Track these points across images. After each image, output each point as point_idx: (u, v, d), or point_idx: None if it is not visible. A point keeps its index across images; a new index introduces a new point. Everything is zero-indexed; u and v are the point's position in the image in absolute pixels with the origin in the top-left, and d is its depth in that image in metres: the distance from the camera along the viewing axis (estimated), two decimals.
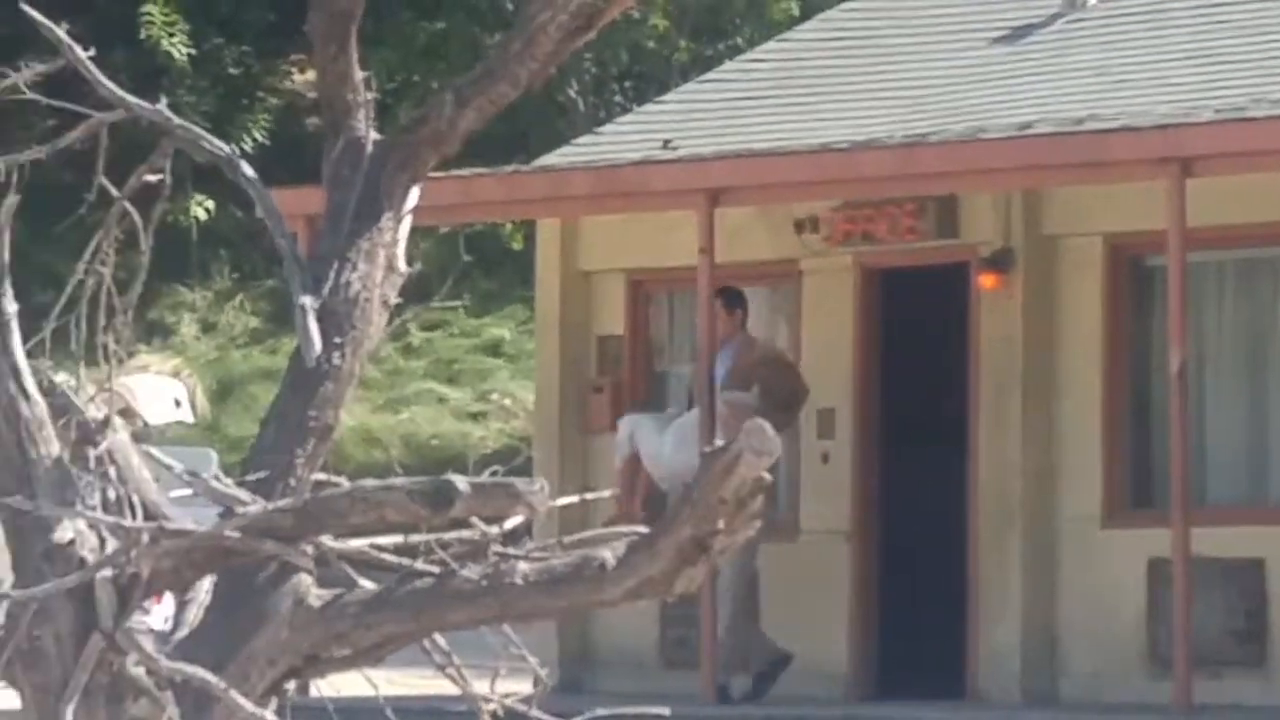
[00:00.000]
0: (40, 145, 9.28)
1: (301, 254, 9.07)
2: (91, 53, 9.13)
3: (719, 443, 15.76)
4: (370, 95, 9.10)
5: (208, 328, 30.15)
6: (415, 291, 16.27)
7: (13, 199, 8.47)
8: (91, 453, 7.89)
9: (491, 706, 8.04)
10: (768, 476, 7.00)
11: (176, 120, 9.21)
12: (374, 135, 8.70)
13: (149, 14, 31.42)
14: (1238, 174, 17.95)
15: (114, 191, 8.60)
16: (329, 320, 8.39)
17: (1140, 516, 18.86)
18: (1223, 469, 19.56)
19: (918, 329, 20.44)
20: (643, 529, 8.14)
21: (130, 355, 12.37)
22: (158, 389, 18.51)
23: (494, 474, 9.93)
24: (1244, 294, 20.06)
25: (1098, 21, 21.46)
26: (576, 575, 7.53)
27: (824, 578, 20.22)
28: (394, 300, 8.89)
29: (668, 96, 25.22)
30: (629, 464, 17.35)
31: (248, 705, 7.43)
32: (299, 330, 8.48)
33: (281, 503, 7.94)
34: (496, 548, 7.68)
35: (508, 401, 28.63)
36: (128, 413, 9.17)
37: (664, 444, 17.74)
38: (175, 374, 24.99)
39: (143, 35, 29.90)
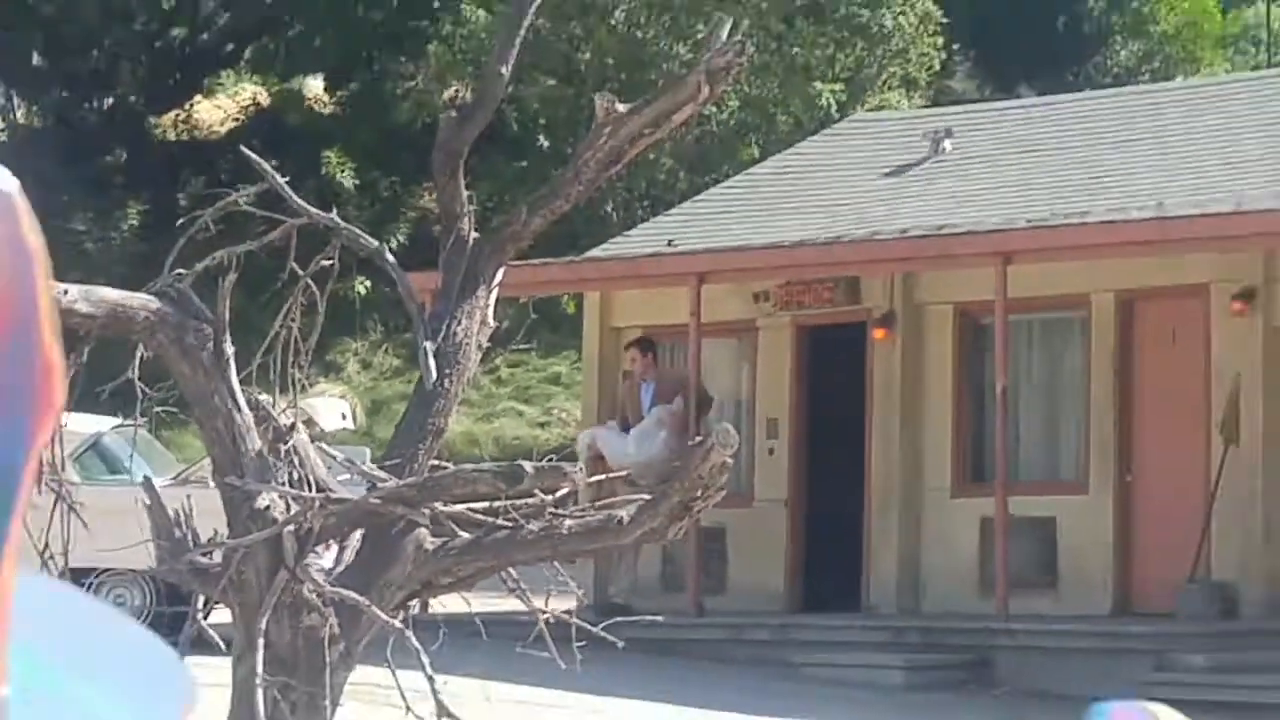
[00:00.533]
0: (253, 241, 9.28)
1: (425, 315, 9.13)
2: (288, 179, 9.27)
3: (678, 438, 16.90)
4: (471, 207, 9.25)
5: (365, 366, 30.14)
6: (502, 339, 16.29)
7: (232, 277, 8.48)
8: (282, 448, 7.90)
9: (546, 616, 8.32)
10: (730, 461, 7.89)
11: (344, 225, 9.39)
12: (474, 234, 8.59)
13: (329, 156, 31.06)
14: (1041, 263, 18.03)
15: (300, 272, 8.57)
16: (442, 359, 8.46)
17: (975, 488, 19.04)
18: (1029, 457, 19.65)
19: (833, 367, 20.44)
20: (646, 496, 8.42)
21: (311, 384, 12.25)
22: (331, 406, 18.61)
23: (550, 460, 10.28)
24: (1044, 343, 20.25)
25: (952, 162, 21.73)
26: (603, 528, 7.91)
27: (770, 531, 20.28)
28: (486, 345, 8.91)
29: (672, 211, 25.10)
30: (593, 465, 17.18)
31: (384, 617, 7.76)
32: (422, 365, 8.57)
33: (408, 480, 8.06)
34: (551, 510, 7.91)
35: (564, 415, 28.78)
36: (310, 423, 9.01)
37: (628, 445, 17.46)
38: (343, 396, 25.17)
39: (324, 170, 29.56)
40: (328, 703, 8.19)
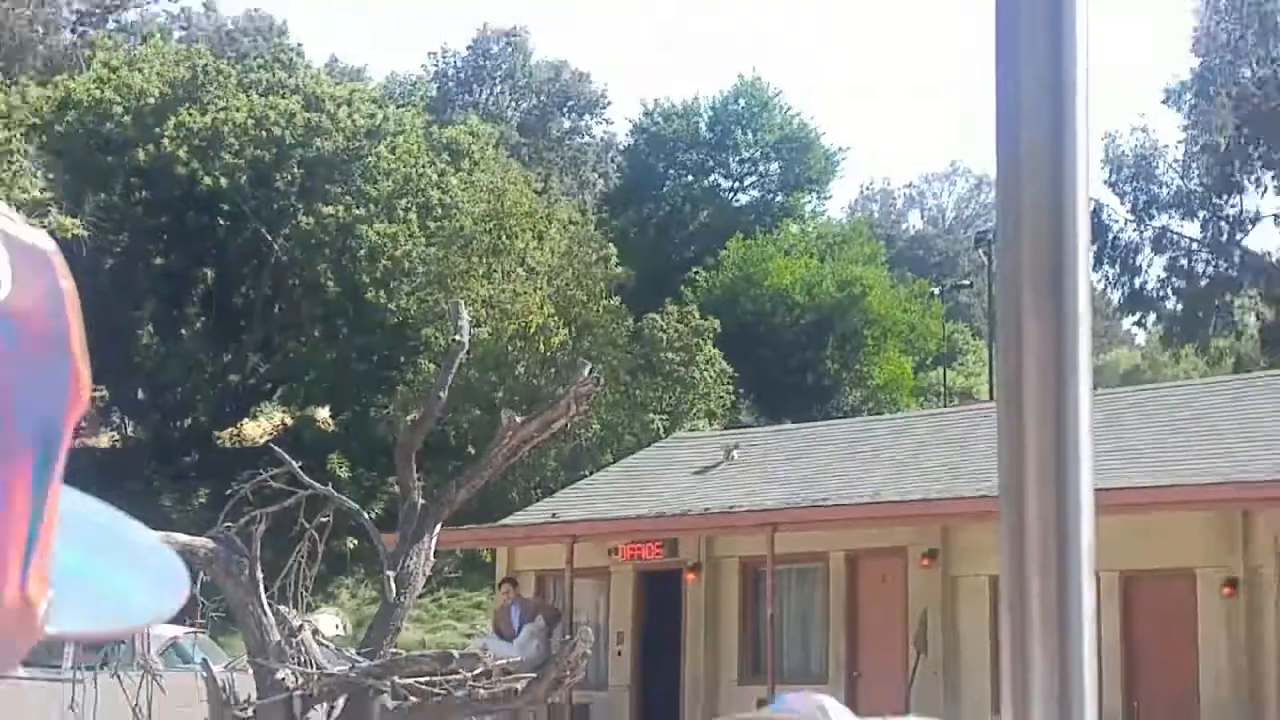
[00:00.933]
0: (267, 508, 9.04)
1: (388, 553, 9.05)
2: (300, 463, 9.56)
3: (545, 643, 16.81)
4: (420, 485, 9.41)
5: (353, 595, 29.26)
6: (439, 572, 16.38)
7: (261, 527, 8.49)
8: (294, 640, 7.90)
9: None
10: (589, 652, 8.30)
11: (337, 495, 9.51)
12: (421, 501, 8.83)
13: (331, 458, 30.97)
14: (796, 532, 18.45)
15: (308, 527, 8.74)
16: (399, 581, 8.47)
17: (754, 679, 18.92)
18: (790, 659, 19.51)
19: (661, 598, 20.35)
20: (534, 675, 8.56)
21: (315, 606, 11.72)
22: (329, 619, 18.04)
23: (468, 652, 10.19)
24: (799, 584, 20.01)
25: (738, 466, 22.19)
26: (507, 693, 7.84)
27: (619, 707, 19.99)
28: (429, 574, 9.05)
29: (555, 495, 25.15)
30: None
31: None
32: (384, 586, 8.66)
33: (376, 662, 8.04)
34: (471, 683, 7.86)
35: (484, 629, 28.52)
36: (315, 630, 8.75)
37: (512, 649, 16.81)
38: (336, 613, 24.43)
39: (328, 467, 29.31)
40: None
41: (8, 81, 32.60)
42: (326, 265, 34.45)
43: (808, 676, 18.98)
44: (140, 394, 36.74)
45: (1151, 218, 40.29)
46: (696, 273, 39.22)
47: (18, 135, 28.29)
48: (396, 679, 7.97)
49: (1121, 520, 14.77)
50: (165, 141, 31.93)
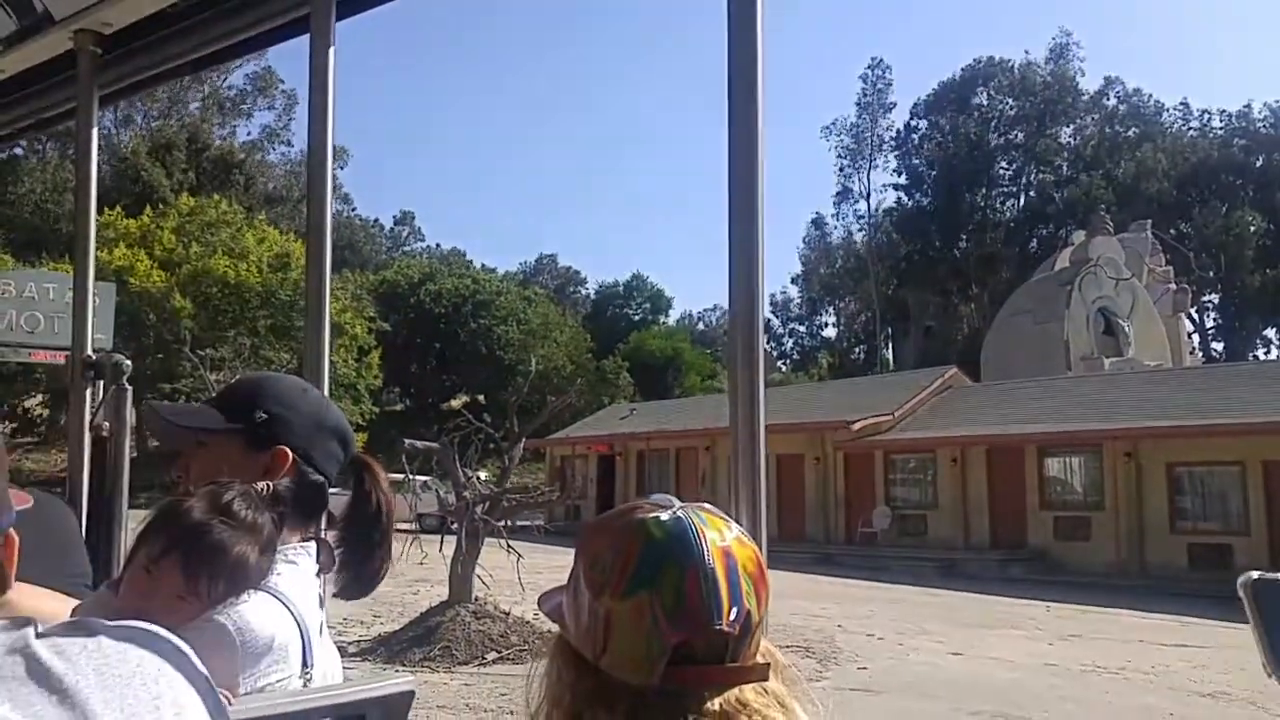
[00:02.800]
0: (457, 433, 17.25)
1: (509, 450, 18.25)
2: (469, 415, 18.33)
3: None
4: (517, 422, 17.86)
5: (489, 468, 36.72)
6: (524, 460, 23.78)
7: (456, 439, 16.79)
8: (469, 479, 16.11)
9: None
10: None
11: (488, 429, 17.92)
12: (517, 429, 17.16)
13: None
14: None
15: (475, 439, 17.41)
16: (509, 460, 17.24)
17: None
18: None
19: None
20: None
21: (476, 468, 15.34)
22: (485, 474, 16.63)
23: None
24: None
25: None
26: (548, 502, 15.72)
27: None
28: (520, 459, 17.05)
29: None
30: None
31: None
32: (505, 462, 17.75)
33: (499, 489, 16.55)
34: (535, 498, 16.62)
35: None
36: (478, 476, 14.62)
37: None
38: (487, 473, 21.01)
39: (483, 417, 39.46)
40: None
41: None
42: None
43: None
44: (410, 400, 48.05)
45: None
46: None
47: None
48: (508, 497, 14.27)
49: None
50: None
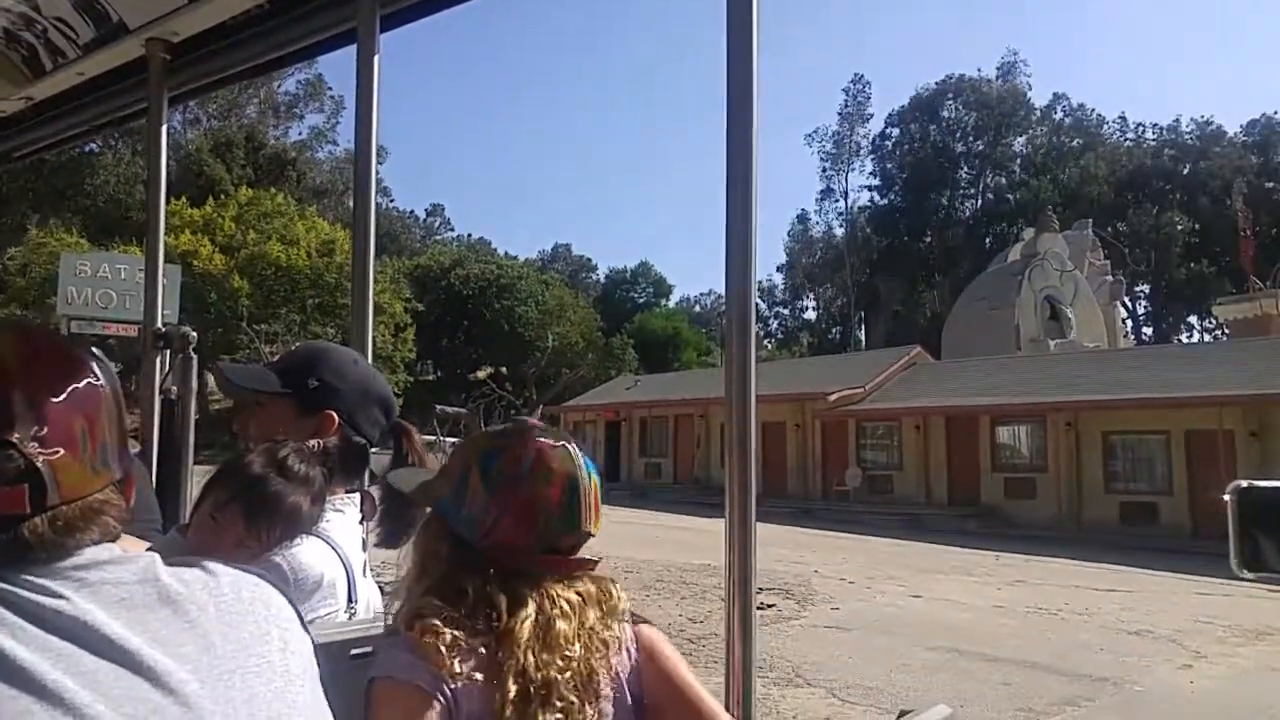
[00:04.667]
0: (481, 400, 14.87)
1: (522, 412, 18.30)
2: (493, 386, 16.72)
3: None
4: (535, 391, 15.86)
5: None
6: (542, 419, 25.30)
7: (481, 406, 14.67)
8: None
9: None
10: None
11: (509, 397, 16.48)
12: (537, 397, 14.59)
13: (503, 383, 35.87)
14: None
15: (499, 405, 14.63)
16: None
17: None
18: None
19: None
20: None
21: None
22: None
23: None
24: None
25: None
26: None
27: None
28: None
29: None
30: None
31: None
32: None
33: None
34: None
35: None
36: None
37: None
38: None
39: (505, 386, 35.48)
40: None
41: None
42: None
43: None
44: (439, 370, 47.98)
45: None
46: None
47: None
48: None
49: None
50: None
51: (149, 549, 1.55)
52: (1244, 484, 0.69)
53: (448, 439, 19.28)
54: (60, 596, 0.71)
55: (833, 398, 25.88)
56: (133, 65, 2.70)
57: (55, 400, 0.74)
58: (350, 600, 1.52)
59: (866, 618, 10.44)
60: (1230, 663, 9.03)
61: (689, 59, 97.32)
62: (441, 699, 1.08)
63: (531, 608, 1.12)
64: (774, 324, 68.82)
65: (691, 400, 29.04)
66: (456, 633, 1.10)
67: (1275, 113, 57.75)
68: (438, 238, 70.72)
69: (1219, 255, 51.93)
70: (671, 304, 69.23)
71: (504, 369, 42.80)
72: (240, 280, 31.73)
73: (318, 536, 1.50)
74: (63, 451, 0.73)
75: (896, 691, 7.54)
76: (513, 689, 1.08)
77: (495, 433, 1.26)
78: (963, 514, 22.70)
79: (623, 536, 15.17)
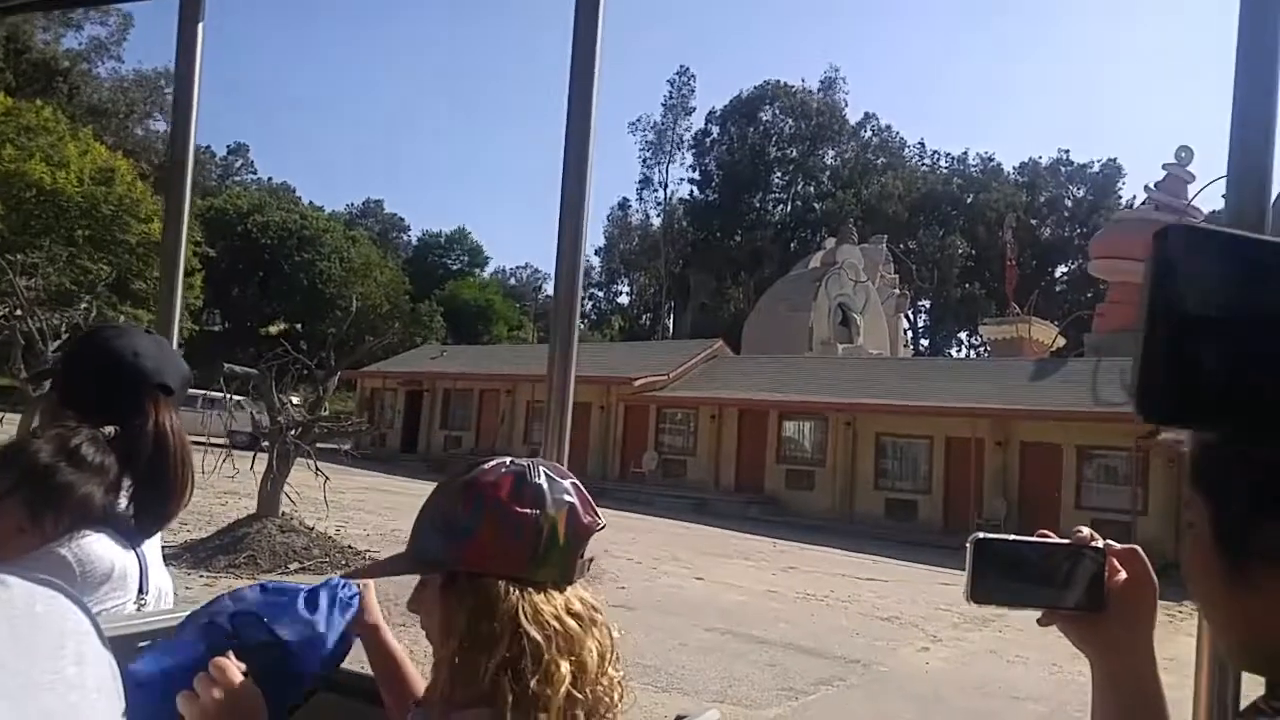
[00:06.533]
0: (277, 360, 16.51)
1: (321, 379, 17.53)
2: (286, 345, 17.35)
3: None
4: (333, 355, 17.13)
5: (303, 395, 36.97)
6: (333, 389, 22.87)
7: (275, 367, 16.33)
8: (284, 405, 16.11)
9: None
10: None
11: (303, 360, 17.16)
12: (334, 361, 16.61)
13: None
14: None
15: (291, 368, 16.45)
16: (324, 390, 16.89)
17: None
18: None
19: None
20: None
21: (289, 394, 13.46)
22: (297, 398, 20.43)
23: None
24: None
25: None
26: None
27: None
28: (332, 388, 17.29)
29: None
30: None
31: None
32: (320, 390, 17.11)
33: (312, 417, 16.30)
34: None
35: None
36: (290, 402, 12.80)
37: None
38: (301, 399, 19.73)
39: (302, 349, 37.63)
40: None
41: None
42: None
43: None
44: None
45: None
46: None
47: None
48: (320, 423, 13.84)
49: None
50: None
51: None
52: (980, 536, 0.83)
53: (235, 398, 17.87)
54: None
55: (638, 383, 26.45)
56: None
57: None
58: (141, 591, 1.50)
59: (650, 597, 10.74)
60: (960, 646, 9.98)
61: (529, 29, 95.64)
62: None
63: None
64: (588, 305, 69.41)
65: (499, 375, 28.91)
66: None
67: (1040, 157, 65.19)
68: (236, 178, 65.85)
69: (989, 280, 56.91)
70: (486, 274, 68.22)
71: (299, 325, 42.06)
72: None
73: (111, 525, 1.46)
74: None
75: (673, 670, 7.83)
76: None
77: (499, 470, 1.26)
78: (747, 500, 23.68)
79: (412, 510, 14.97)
